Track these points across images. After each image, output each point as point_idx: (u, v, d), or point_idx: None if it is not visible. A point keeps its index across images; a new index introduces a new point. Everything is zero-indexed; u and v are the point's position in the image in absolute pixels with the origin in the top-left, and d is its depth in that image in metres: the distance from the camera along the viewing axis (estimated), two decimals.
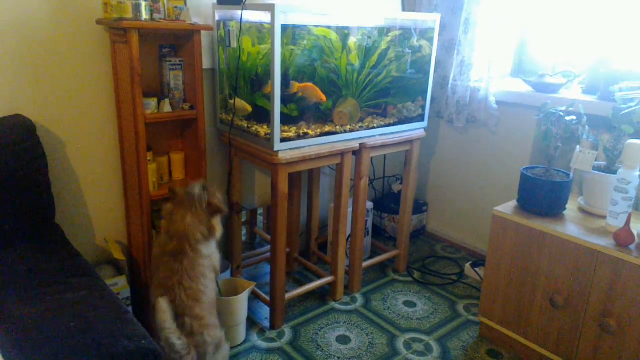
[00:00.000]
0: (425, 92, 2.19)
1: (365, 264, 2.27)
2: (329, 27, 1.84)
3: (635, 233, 1.52)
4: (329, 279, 2.13)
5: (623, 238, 1.50)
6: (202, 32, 1.70)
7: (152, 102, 1.63)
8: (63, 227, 1.63)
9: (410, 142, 2.20)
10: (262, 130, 1.79)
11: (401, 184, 2.52)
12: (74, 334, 1.11)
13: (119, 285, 1.64)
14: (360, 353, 1.82)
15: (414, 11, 2.51)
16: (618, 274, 1.49)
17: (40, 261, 1.41)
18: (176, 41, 1.74)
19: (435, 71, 2.37)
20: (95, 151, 1.76)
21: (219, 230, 1.51)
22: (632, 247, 1.50)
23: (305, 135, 1.81)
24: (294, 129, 1.81)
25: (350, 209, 2.15)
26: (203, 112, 1.71)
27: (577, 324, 1.61)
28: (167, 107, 1.66)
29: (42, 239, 1.52)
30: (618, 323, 1.50)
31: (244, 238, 2.49)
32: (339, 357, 1.79)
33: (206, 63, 1.86)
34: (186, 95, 1.73)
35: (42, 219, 1.54)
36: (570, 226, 1.65)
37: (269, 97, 1.68)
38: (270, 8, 1.57)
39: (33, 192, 1.49)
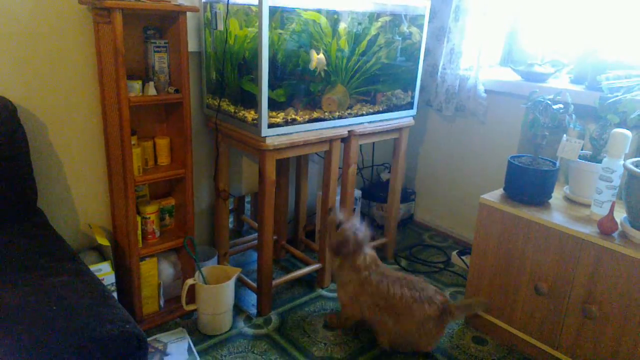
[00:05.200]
0: (415, 79, 2.18)
1: None
2: (318, 11, 1.81)
3: (618, 221, 1.54)
4: (316, 266, 2.13)
5: (606, 226, 1.52)
6: (188, 13, 1.66)
7: (137, 84, 1.60)
8: (46, 212, 1.60)
9: (399, 130, 2.19)
10: (249, 115, 1.77)
11: (389, 172, 2.52)
12: (56, 318, 1.09)
13: (103, 271, 1.62)
14: (347, 339, 1.83)
15: None
16: (601, 261, 1.51)
17: (22, 246, 1.38)
18: (161, 23, 1.70)
19: (424, 59, 2.36)
20: (79, 134, 1.72)
21: None
22: (615, 234, 1.52)
23: (293, 122, 1.79)
24: (281, 114, 1.79)
25: (338, 197, 2.14)
26: (188, 95, 1.68)
27: (561, 311, 1.63)
28: (151, 90, 1.63)
29: (24, 223, 1.48)
30: (599, 309, 1.53)
31: (230, 225, 2.47)
32: (325, 344, 1.80)
33: (192, 46, 1.83)
34: (171, 78, 1.70)
35: (23, 203, 1.51)
36: (556, 214, 1.67)
37: (256, 82, 1.66)
38: None
39: (14, 175, 1.46)
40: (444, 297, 1.71)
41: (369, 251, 1.77)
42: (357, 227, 1.77)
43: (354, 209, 2.25)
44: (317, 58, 1.80)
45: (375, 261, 1.77)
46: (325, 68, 1.85)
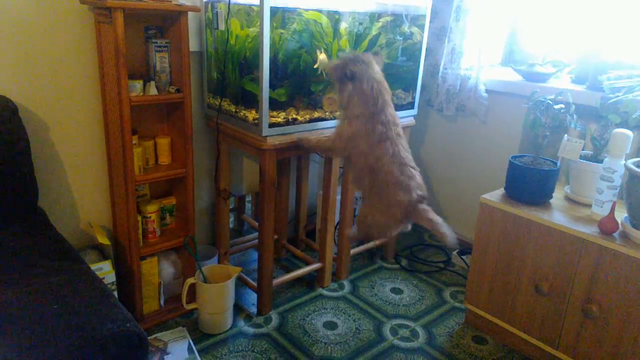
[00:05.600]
0: (416, 79, 2.18)
1: (353, 251, 2.27)
2: (319, 11, 1.82)
3: (619, 221, 1.53)
4: (316, 265, 2.13)
5: (607, 226, 1.52)
6: (190, 13, 1.66)
7: (138, 84, 1.60)
8: (46, 211, 1.60)
9: None
10: (250, 115, 1.77)
11: None
12: (57, 317, 1.09)
13: (104, 270, 1.62)
14: (347, 339, 1.83)
15: None
16: (601, 261, 1.51)
17: (22, 245, 1.38)
18: (162, 22, 1.71)
19: (425, 59, 2.36)
20: (80, 134, 1.73)
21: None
22: (615, 234, 1.52)
23: (294, 121, 1.79)
24: (282, 114, 1.79)
25: (338, 197, 2.14)
26: (190, 95, 1.69)
27: (561, 310, 1.63)
28: (152, 90, 1.63)
29: (25, 222, 1.49)
30: (600, 309, 1.53)
31: (231, 225, 2.47)
32: (325, 343, 1.80)
33: (193, 45, 1.83)
34: (172, 78, 1.70)
35: (24, 202, 1.51)
36: (557, 214, 1.67)
37: (257, 81, 1.66)
38: None
39: (15, 174, 1.46)
40: (423, 193, 1.57)
41: (377, 75, 1.55)
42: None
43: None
44: (320, 59, 1.80)
45: (383, 91, 1.55)
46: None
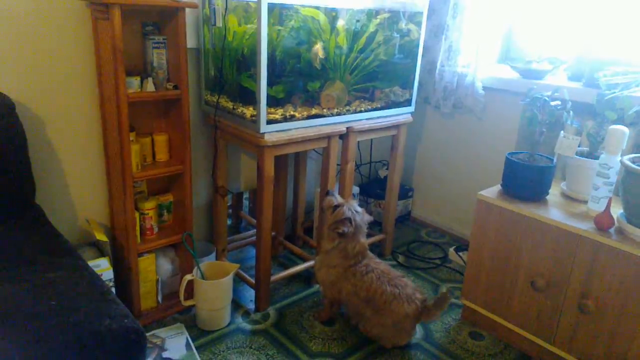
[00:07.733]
0: (413, 76, 2.19)
1: None
2: (317, 8, 1.81)
3: (615, 217, 1.54)
4: (314, 262, 2.13)
5: (603, 222, 1.53)
6: (187, 9, 1.66)
7: (135, 81, 1.60)
8: (44, 208, 1.60)
9: (397, 126, 2.20)
10: (248, 112, 1.77)
11: (387, 169, 2.53)
12: (55, 313, 1.09)
13: (102, 266, 1.62)
14: (344, 335, 1.84)
15: None
16: (597, 257, 1.52)
17: (20, 241, 1.38)
18: (160, 19, 1.70)
19: (423, 56, 2.36)
20: (77, 130, 1.72)
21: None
22: (611, 230, 1.53)
23: (292, 118, 1.79)
24: (280, 111, 1.79)
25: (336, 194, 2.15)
26: (187, 92, 1.68)
27: (557, 306, 1.64)
28: (150, 87, 1.63)
29: (22, 219, 1.48)
30: (596, 304, 1.54)
31: (229, 222, 2.48)
32: (323, 339, 1.80)
33: (191, 42, 1.83)
34: (170, 74, 1.70)
35: (21, 198, 1.51)
36: (553, 210, 1.68)
37: (255, 78, 1.66)
38: None
39: (12, 171, 1.46)
40: (422, 296, 1.73)
41: (362, 239, 1.77)
42: (356, 209, 1.78)
43: None
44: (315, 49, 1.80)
45: (364, 251, 1.78)
46: (321, 56, 1.83)
